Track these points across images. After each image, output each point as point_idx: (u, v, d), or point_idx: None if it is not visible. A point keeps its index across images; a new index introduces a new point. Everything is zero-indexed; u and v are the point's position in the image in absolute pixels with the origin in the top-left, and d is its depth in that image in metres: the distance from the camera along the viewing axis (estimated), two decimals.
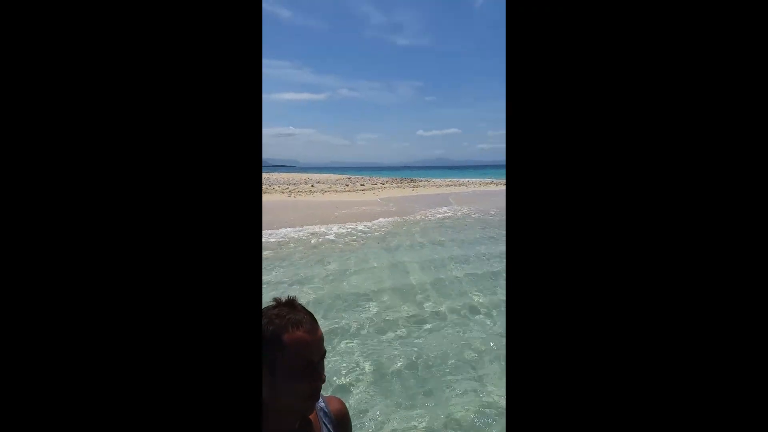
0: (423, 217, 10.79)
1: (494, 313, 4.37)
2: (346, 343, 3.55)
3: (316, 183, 25.63)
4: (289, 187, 22.47)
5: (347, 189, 20.96)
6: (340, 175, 42.40)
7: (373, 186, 23.47)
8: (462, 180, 32.33)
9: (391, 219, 10.35)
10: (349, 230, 8.63)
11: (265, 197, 16.16)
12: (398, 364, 3.17)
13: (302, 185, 23.49)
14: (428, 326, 4.00)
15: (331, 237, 8.11)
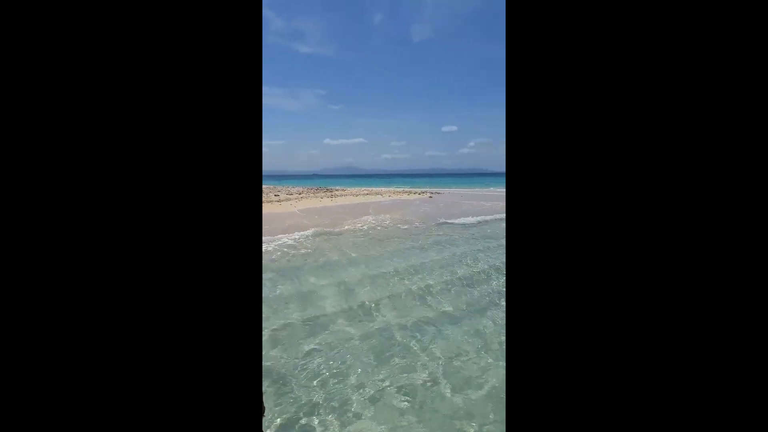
0: (350, 228, 10.78)
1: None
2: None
3: None
4: None
5: (263, 200, 20.01)
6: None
7: (289, 196, 22.79)
8: (376, 189, 32.97)
9: (318, 230, 10.16)
10: (275, 246, 8.24)
11: None
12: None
13: None
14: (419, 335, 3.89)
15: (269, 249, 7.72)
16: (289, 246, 8.36)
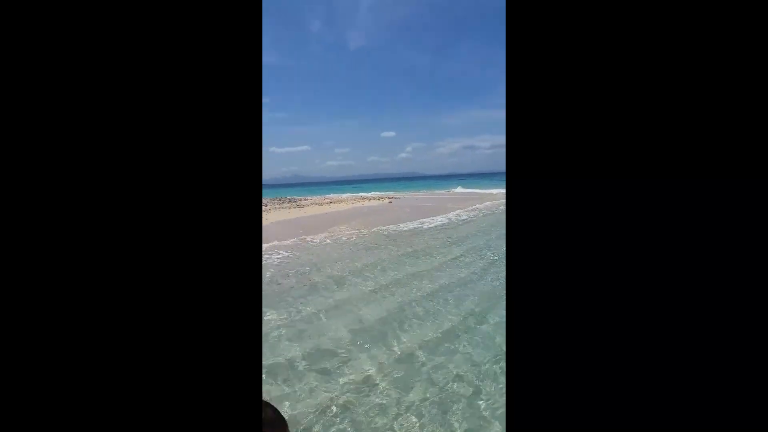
0: (348, 238, 11.25)
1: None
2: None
3: None
4: None
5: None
6: None
7: None
8: (339, 196, 33.56)
9: (298, 241, 10.72)
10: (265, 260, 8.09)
11: None
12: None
13: None
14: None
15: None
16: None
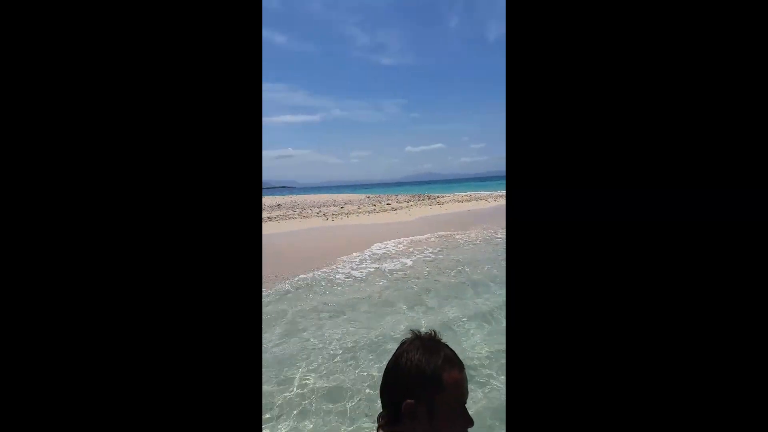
0: (487, 235, 11.21)
1: None
2: None
3: (345, 204, 26.35)
4: (322, 209, 23.16)
5: (376, 209, 21.62)
6: (359, 195, 42.99)
7: (399, 205, 23.99)
8: (477, 194, 32.80)
9: (450, 240, 10.84)
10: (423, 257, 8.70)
11: (304, 223, 16.69)
12: None
13: (332, 207, 24.17)
14: None
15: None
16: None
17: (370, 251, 9.53)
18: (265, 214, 21.11)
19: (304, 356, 3.93)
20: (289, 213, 21.40)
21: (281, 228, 14.53)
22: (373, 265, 7.98)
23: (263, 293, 6.18)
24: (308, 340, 4.37)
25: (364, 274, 7.31)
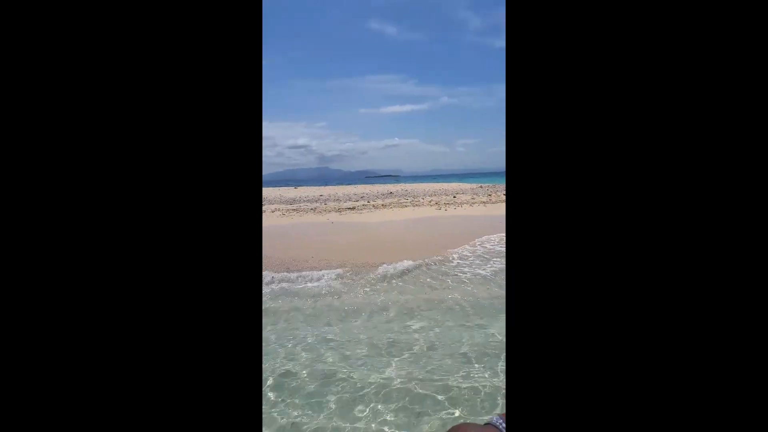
0: None
1: None
2: None
3: (458, 194, 25.80)
4: (434, 198, 23.01)
5: (492, 200, 20.67)
6: (471, 184, 41.97)
7: None
8: None
9: None
10: None
11: (418, 211, 16.67)
12: None
13: (443, 197, 23.87)
14: None
15: None
16: None
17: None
18: (378, 201, 21.77)
19: None
20: (401, 201, 21.71)
21: (404, 214, 14.63)
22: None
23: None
24: None
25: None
